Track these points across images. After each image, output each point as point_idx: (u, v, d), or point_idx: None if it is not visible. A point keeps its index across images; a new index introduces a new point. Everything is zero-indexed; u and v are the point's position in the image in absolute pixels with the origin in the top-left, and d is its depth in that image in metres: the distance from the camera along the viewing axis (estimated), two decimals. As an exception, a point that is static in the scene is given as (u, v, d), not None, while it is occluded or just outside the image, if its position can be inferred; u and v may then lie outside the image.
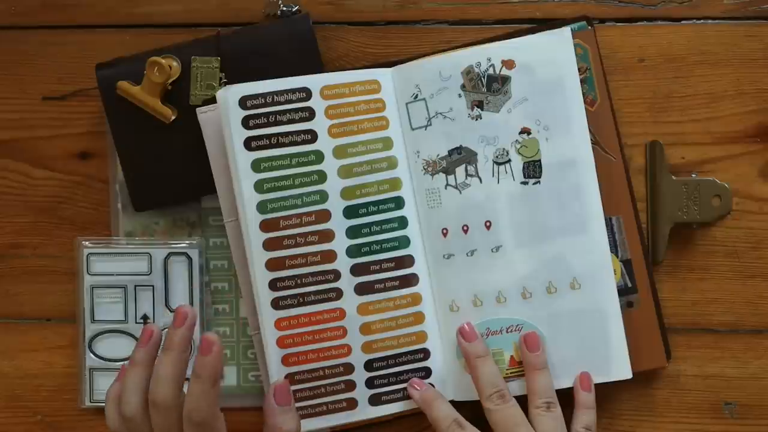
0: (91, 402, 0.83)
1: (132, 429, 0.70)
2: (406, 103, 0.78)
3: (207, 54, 0.79)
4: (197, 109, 0.78)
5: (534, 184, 0.77)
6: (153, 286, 0.82)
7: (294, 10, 0.80)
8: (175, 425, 0.68)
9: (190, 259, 0.81)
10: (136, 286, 0.82)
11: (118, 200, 0.83)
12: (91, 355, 0.82)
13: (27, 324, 0.84)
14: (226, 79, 0.79)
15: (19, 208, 0.84)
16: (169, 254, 0.81)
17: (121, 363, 0.82)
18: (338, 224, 0.76)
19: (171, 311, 0.81)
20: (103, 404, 0.82)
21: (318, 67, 0.79)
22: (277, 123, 0.76)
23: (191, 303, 0.81)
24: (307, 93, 0.76)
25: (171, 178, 0.80)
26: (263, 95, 0.76)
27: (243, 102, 0.75)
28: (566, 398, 0.76)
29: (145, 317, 0.82)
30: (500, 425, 0.73)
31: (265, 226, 0.76)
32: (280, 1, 0.81)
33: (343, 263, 0.77)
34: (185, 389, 0.68)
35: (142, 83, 0.78)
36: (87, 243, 0.82)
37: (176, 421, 0.68)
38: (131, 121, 0.79)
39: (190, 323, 0.69)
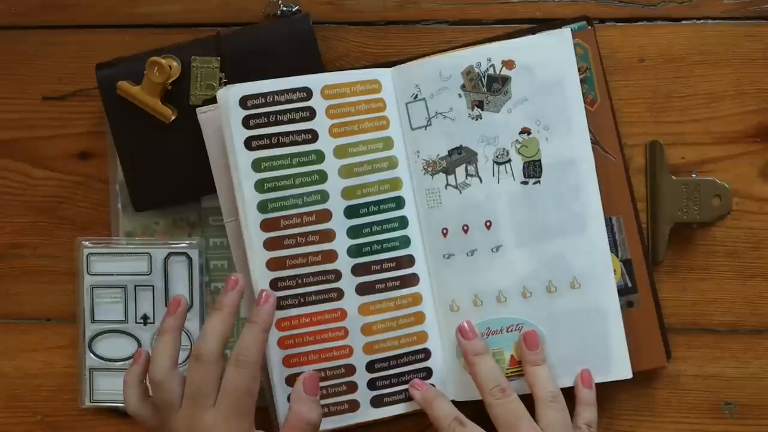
0: (91, 402, 0.82)
1: (161, 394, 0.71)
2: (406, 103, 0.78)
3: (207, 54, 0.79)
4: (197, 109, 0.78)
5: (534, 183, 0.77)
6: (153, 286, 0.82)
7: (294, 10, 0.81)
8: (212, 382, 0.69)
9: (190, 259, 0.81)
10: (136, 286, 0.82)
11: (118, 200, 0.83)
12: (91, 355, 0.82)
13: (27, 324, 0.84)
14: (226, 79, 0.79)
15: (19, 208, 0.84)
16: (169, 254, 0.81)
17: (122, 363, 0.82)
18: (339, 224, 0.76)
19: (171, 311, 0.82)
20: (103, 404, 0.82)
21: (318, 67, 0.79)
22: (277, 123, 0.76)
23: (191, 303, 0.81)
24: (307, 93, 0.76)
25: (171, 178, 0.80)
26: (264, 95, 0.76)
27: (243, 102, 0.75)
28: (567, 398, 0.75)
29: (145, 317, 0.82)
30: (501, 419, 0.73)
31: (265, 225, 0.76)
32: (280, 1, 0.81)
33: (344, 263, 0.76)
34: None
35: (142, 83, 0.78)
36: (87, 243, 0.82)
37: (214, 379, 0.69)
38: (131, 121, 0.79)
39: (240, 289, 0.73)
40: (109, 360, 0.82)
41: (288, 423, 0.70)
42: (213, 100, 0.78)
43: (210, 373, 0.69)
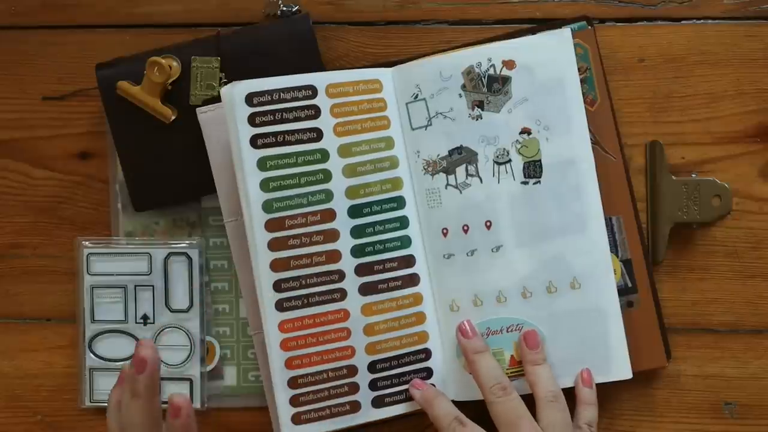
0: (91, 402, 0.82)
1: None
2: (407, 103, 0.78)
3: (207, 54, 0.79)
4: (197, 109, 0.78)
5: (534, 183, 0.77)
6: (153, 286, 0.82)
7: (294, 10, 0.81)
8: None
9: (190, 259, 0.81)
10: (136, 286, 0.82)
11: (118, 200, 0.83)
12: (91, 355, 0.82)
13: (27, 324, 0.84)
14: (226, 79, 0.79)
15: (19, 208, 0.84)
16: (169, 254, 0.81)
17: (122, 363, 0.82)
18: (343, 224, 0.76)
19: (171, 311, 0.81)
20: (103, 404, 0.82)
21: (318, 67, 0.79)
22: (283, 120, 0.75)
23: (191, 303, 0.81)
24: (313, 91, 0.76)
25: (171, 178, 0.80)
26: (270, 92, 0.75)
27: (249, 99, 0.74)
28: (567, 398, 0.75)
29: (145, 317, 0.82)
30: (502, 417, 0.73)
31: (270, 225, 0.75)
32: (280, 1, 0.81)
33: (347, 263, 0.76)
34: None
35: (142, 83, 0.78)
36: (87, 243, 0.82)
37: None
38: (131, 121, 0.79)
39: (151, 369, 0.69)
40: (109, 360, 0.82)
41: None
42: (213, 100, 0.78)
43: None
